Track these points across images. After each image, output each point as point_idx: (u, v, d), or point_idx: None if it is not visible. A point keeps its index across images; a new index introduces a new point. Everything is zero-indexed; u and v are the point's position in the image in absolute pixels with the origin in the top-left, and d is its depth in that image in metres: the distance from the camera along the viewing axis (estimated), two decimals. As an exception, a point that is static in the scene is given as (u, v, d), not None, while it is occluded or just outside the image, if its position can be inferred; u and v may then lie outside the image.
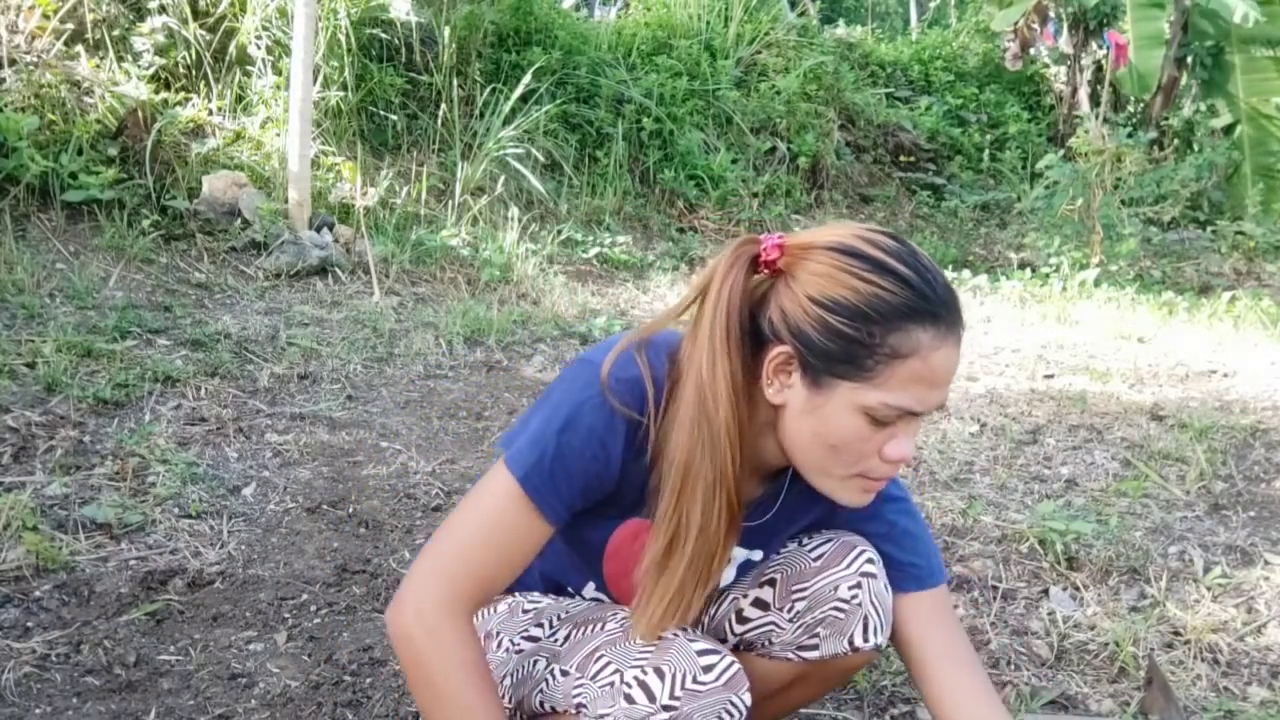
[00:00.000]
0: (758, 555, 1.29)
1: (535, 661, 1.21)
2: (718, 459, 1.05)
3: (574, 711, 1.14)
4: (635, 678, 1.08)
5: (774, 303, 1.06)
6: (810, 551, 1.26)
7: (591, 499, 1.12)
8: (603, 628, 1.18)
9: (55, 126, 4.01)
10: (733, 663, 1.10)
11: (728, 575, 1.30)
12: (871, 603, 1.23)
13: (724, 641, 1.34)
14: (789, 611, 1.26)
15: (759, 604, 1.29)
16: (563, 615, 1.25)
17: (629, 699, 1.08)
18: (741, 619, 1.31)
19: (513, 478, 1.08)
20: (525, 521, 1.09)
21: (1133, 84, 7.80)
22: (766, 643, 1.29)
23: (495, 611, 1.31)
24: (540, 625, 1.25)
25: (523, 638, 1.26)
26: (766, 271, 1.07)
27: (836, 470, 1.09)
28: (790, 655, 1.28)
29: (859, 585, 1.23)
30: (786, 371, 1.06)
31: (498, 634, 1.28)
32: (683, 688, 1.07)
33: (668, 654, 1.09)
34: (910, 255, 1.04)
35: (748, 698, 1.11)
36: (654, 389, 1.08)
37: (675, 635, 1.11)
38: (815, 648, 1.27)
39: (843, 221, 1.12)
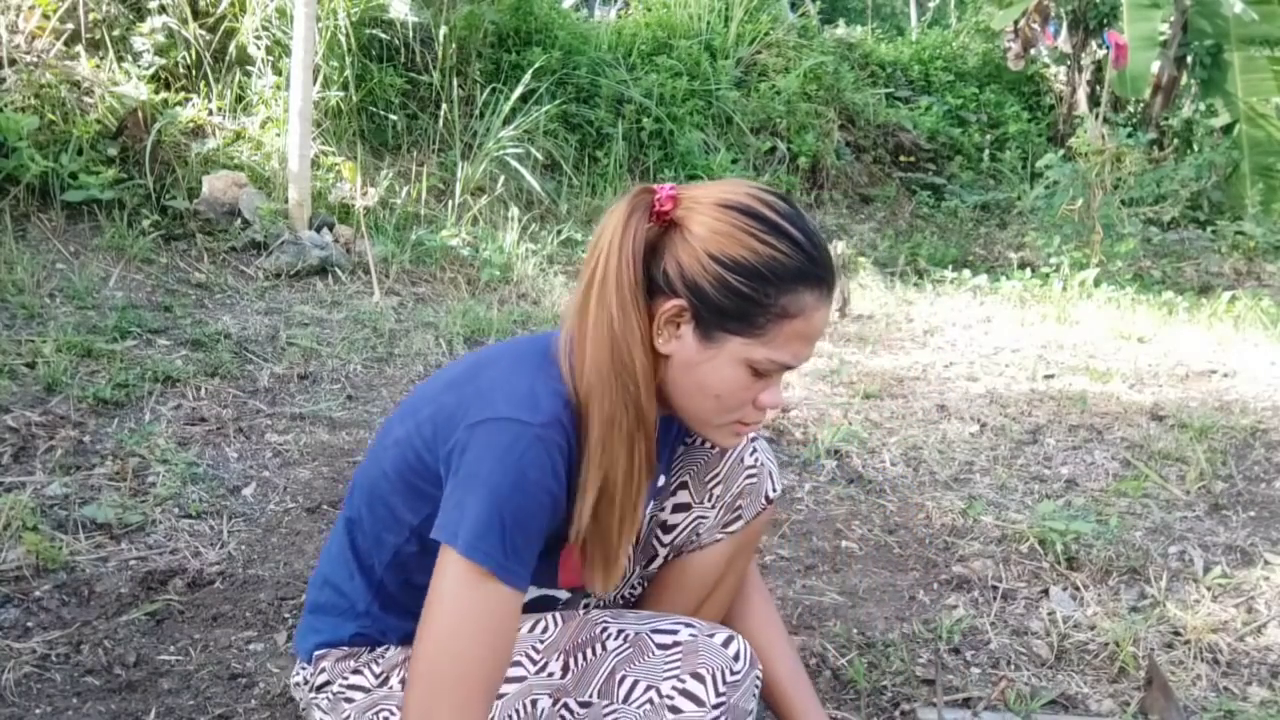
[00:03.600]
0: (660, 480, 1.35)
1: (534, 702, 1.14)
2: (638, 406, 1.07)
3: None
4: (675, 688, 1.09)
5: (669, 254, 1.08)
6: (704, 445, 1.35)
7: (547, 538, 1.09)
8: (604, 648, 1.15)
9: (55, 126, 4.01)
10: (743, 639, 1.15)
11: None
12: (767, 458, 1.38)
13: (654, 559, 1.40)
14: (710, 500, 1.36)
15: (679, 508, 1.37)
16: (539, 646, 1.17)
17: (675, 710, 1.09)
18: (667, 528, 1.38)
19: (480, 567, 1.01)
20: (503, 603, 1.03)
21: (1124, 85, 7.81)
22: (694, 536, 1.37)
23: None
24: (519, 663, 1.15)
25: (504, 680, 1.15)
26: (657, 222, 1.09)
27: (716, 419, 1.14)
28: (719, 535, 1.37)
29: (755, 449, 1.37)
30: (677, 323, 1.09)
31: None
32: (724, 682, 1.10)
33: (697, 656, 1.11)
34: (799, 219, 1.08)
35: (760, 667, 1.17)
36: (567, 410, 1.06)
37: (694, 636, 1.12)
38: (739, 518, 1.37)
39: (734, 179, 1.14)
